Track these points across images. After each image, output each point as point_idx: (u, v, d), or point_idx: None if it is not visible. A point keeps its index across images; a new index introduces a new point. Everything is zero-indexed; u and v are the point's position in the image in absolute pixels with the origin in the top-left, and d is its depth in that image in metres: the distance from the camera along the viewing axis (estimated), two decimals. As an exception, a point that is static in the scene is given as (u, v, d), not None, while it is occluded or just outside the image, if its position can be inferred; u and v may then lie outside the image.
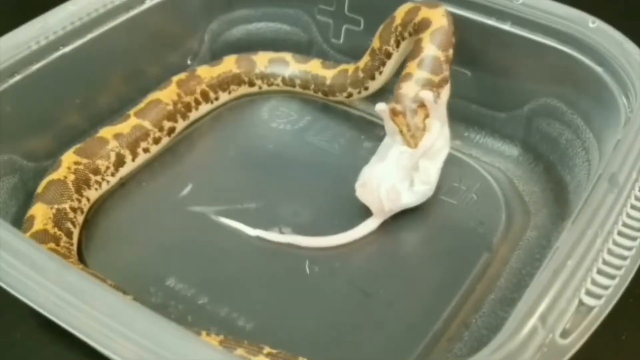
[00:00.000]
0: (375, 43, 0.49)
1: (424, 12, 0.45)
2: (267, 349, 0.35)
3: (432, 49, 0.44)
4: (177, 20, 0.54)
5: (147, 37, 0.52)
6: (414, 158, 0.42)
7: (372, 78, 0.51)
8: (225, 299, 0.40)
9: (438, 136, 0.43)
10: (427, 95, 0.42)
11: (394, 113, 0.42)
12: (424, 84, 0.43)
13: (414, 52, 0.45)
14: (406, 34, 0.47)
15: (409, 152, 0.42)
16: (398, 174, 0.42)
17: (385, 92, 0.54)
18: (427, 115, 0.42)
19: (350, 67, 0.53)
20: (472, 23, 0.47)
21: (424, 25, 0.45)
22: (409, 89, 0.43)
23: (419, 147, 0.42)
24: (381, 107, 0.43)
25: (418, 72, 0.43)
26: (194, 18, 0.55)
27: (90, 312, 0.27)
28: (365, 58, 0.51)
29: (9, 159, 0.44)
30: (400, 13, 0.47)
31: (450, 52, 0.45)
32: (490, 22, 0.46)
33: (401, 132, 0.42)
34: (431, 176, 0.44)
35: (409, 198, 0.43)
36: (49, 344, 0.40)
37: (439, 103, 0.43)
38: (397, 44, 0.48)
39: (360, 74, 0.51)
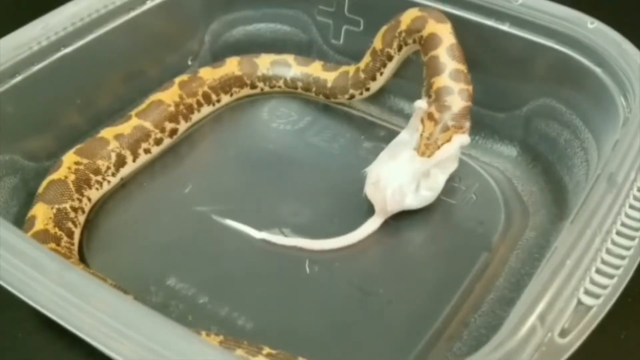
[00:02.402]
0: (377, 44, 0.49)
1: (432, 27, 0.45)
2: (266, 350, 0.35)
3: (453, 64, 0.44)
4: (177, 21, 0.54)
5: (148, 38, 0.52)
6: (428, 164, 0.42)
7: (373, 79, 0.51)
8: (225, 299, 0.40)
9: (456, 151, 0.43)
10: (465, 140, 0.43)
11: (428, 117, 0.42)
12: (465, 97, 0.43)
13: (435, 68, 0.44)
14: (410, 41, 0.47)
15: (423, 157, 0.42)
16: (407, 176, 0.43)
17: (385, 93, 0.55)
18: (449, 139, 0.42)
19: (351, 69, 0.53)
20: (470, 24, 0.47)
21: (433, 41, 0.45)
22: (453, 103, 0.43)
23: (435, 156, 0.42)
24: (421, 105, 0.43)
25: (455, 85, 0.43)
26: (194, 19, 0.56)
27: (91, 311, 0.27)
28: (366, 58, 0.51)
29: (10, 159, 0.44)
30: (405, 19, 0.47)
31: (466, 66, 0.45)
32: (489, 22, 0.46)
33: (421, 135, 0.42)
34: (438, 183, 0.44)
35: (413, 201, 0.43)
36: (49, 343, 0.40)
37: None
38: (400, 48, 0.48)
39: (362, 75, 0.51)
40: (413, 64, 0.50)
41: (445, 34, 0.45)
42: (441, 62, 0.44)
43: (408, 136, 0.44)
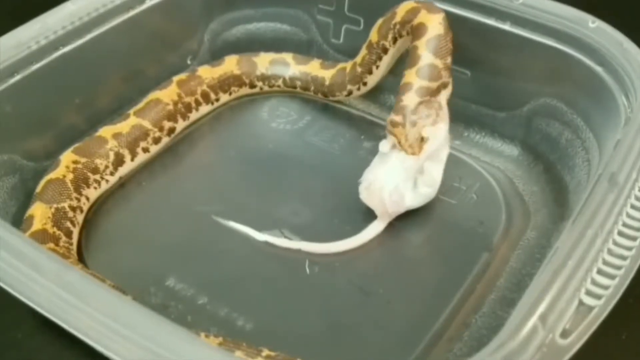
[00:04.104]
0: (373, 36, 0.49)
1: (422, 17, 0.45)
2: (265, 352, 0.35)
3: (429, 57, 0.43)
4: (177, 20, 0.54)
5: (147, 37, 0.52)
6: (419, 162, 0.42)
7: (370, 72, 0.51)
8: (225, 299, 0.40)
9: (443, 140, 0.43)
10: (441, 131, 0.42)
11: (392, 124, 0.42)
12: (423, 93, 0.43)
13: (411, 60, 0.44)
14: (404, 33, 0.47)
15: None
16: (401, 175, 0.42)
17: (385, 93, 0.55)
18: (424, 126, 0.42)
19: (348, 65, 0.53)
20: (471, 23, 0.47)
21: (420, 30, 0.44)
22: (409, 100, 0.42)
23: (424, 150, 0.42)
24: (383, 149, 0.43)
25: (417, 81, 0.43)
26: (193, 18, 0.56)
27: (90, 312, 0.27)
28: (363, 51, 0.51)
29: (9, 158, 0.44)
30: (400, 11, 0.47)
31: (449, 59, 0.44)
32: (490, 22, 0.46)
33: (399, 142, 0.42)
34: (435, 178, 0.44)
35: (413, 200, 0.43)
36: (48, 344, 0.40)
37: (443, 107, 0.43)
38: (394, 40, 0.48)
39: (359, 69, 0.51)
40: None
41: (433, 24, 0.44)
42: (418, 54, 0.44)
43: (390, 145, 0.44)
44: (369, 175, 0.43)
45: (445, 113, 0.44)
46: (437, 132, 0.42)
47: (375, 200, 0.43)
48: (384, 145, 0.43)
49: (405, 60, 0.48)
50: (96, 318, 0.27)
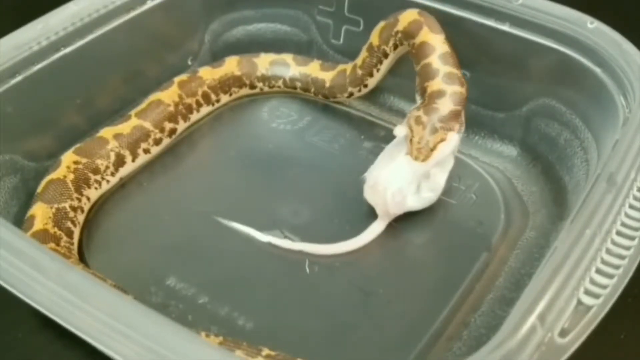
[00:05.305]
0: (374, 39, 0.49)
1: (426, 35, 0.45)
2: (266, 351, 0.35)
3: (446, 68, 0.44)
4: (177, 21, 0.54)
5: (148, 38, 0.52)
6: (427, 166, 0.42)
7: (371, 74, 0.51)
8: (225, 299, 0.40)
9: (454, 147, 0.43)
10: (455, 139, 0.42)
11: (415, 120, 0.42)
12: (457, 100, 0.42)
13: (428, 74, 0.44)
14: (405, 42, 0.47)
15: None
16: (406, 177, 0.42)
17: (385, 93, 0.55)
18: (442, 139, 0.42)
19: (348, 67, 0.53)
20: (471, 24, 0.47)
21: (427, 49, 0.44)
22: (444, 106, 0.42)
23: (433, 157, 0.41)
24: (398, 133, 0.43)
25: (448, 87, 0.43)
26: (194, 19, 0.56)
27: (91, 311, 0.27)
28: (363, 54, 0.51)
29: (10, 159, 0.44)
30: (403, 20, 0.47)
31: (460, 71, 0.44)
32: (489, 22, 0.46)
33: (411, 140, 0.42)
34: (439, 184, 0.44)
35: (415, 202, 0.43)
36: (49, 343, 0.40)
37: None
38: (395, 47, 0.48)
39: (359, 72, 0.51)
40: (412, 63, 0.50)
41: (438, 43, 0.45)
42: (434, 68, 0.44)
43: (403, 138, 0.44)
44: (374, 173, 0.43)
45: (463, 124, 0.44)
46: (451, 138, 0.42)
47: (378, 199, 0.43)
48: (399, 130, 0.42)
49: (405, 66, 0.48)
50: (97, 317, 0.27)
